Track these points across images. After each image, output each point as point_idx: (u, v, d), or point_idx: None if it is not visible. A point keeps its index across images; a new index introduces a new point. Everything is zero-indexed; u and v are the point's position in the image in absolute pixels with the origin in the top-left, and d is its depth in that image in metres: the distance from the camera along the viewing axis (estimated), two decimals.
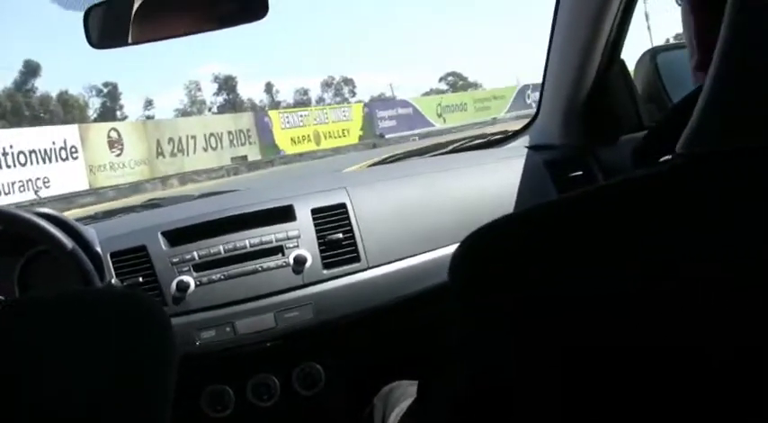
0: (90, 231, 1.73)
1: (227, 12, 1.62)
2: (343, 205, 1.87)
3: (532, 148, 2.17)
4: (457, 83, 66.91)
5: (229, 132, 24.23)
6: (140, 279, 1.73)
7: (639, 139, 0.74)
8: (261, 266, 1.77)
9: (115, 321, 0.65)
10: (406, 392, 1.47)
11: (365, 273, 1.81)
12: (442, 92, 55.75)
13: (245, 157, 23.93)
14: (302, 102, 60.41)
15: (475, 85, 62.20)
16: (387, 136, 27.18)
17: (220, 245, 1.78)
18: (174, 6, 1.62)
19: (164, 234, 1.81)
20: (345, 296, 1.78)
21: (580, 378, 0.53)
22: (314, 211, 1.85)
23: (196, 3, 1.62)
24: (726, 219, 0.52)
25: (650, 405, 0.51)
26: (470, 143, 2.46)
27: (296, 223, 1.83)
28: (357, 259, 1.81)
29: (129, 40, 1.62)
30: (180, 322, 1.68)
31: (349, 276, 1.80)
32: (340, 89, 66.19)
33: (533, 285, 0.55)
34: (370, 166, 2.40)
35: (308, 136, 26.98)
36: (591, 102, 2.06)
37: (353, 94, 67.48)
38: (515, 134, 2.35)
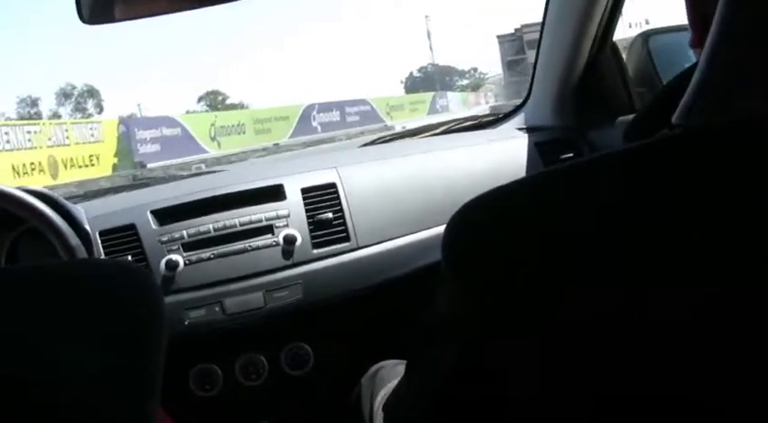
0: (79, 209, 1.72)
1: None
2: (333, 185, 1.86)
3: (523, 129, 2.18)
4: (217, 103, 57.21)
5: None
6: (129, 258, 1.73)
7: (628, 120, 0.74)
8: (250, 246, 1.76)
9: (104, 290, 0.64)
10: (392, 372, 1.48)
11: (355, 253, 1.81)
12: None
13: None
14: (29, 116, 47.31)
15: (240, 106, 53.11)
16: (149, 165, 19.31)
17: (210, 224, 1.78)
18: None
19: (153, 213, 1.80)
20: (334, 276, 1.78)
21: (573, 356, 0.53)
22: (304, 191, 1.84)
23: None
24: (722, 188, 0.52)
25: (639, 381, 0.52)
26: (462, 125, 2.45)
27: (285, 202, 1.82)
28: (347, 239, 1.81)
29: (116, 16, 1.60)
30: (169, 301, 1.68)
31: (338, 256, 1.80)
32: (83, 102, 53.71)
33: (528, 259, 0.55)
34: (361, 146, 2.40)
35: (40, 164, 17.05)
36: (582, 84, 2.06)
37: (101, 109, 54.70)
38: (506, 116, 2.35)
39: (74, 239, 1.58)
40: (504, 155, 2.04)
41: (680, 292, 0.51)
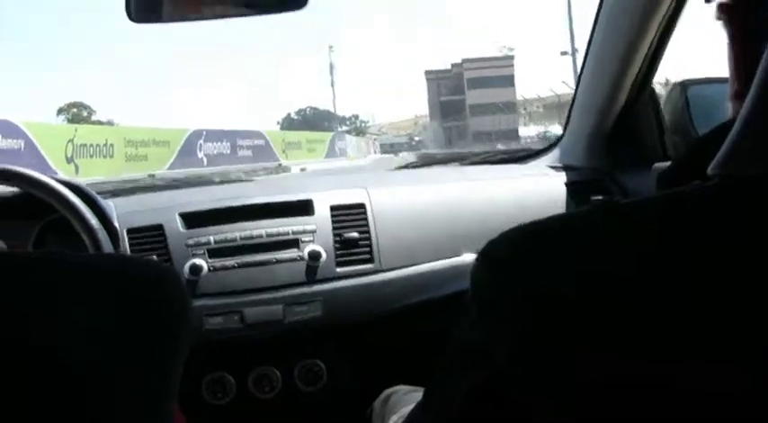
0: (109, 205, 1.75)
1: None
2: (361, 205, 1.88)
3: (555, 167, 2.18)
4: (81, 119, 47.38)
5: None
6: (155, 257, 1.74)
7: (664, 167, 0.74)
8: (275, 258, 1.77)
9: (133, 287, 0.65)
10: (405, 398, 1.47)
11: (377, 275, 1.81)
12: None
13: None
14: None
15: (109, 124, 41.29)
16: None
17: (237, 232, 1.79)
18: None
19: (181, 215, 1.82)
20: (355, 296, 1.79)
21: (593, 392, 0.54)
22: (332, 208, 1.86)
23: None
24: (758, 239, 0.52)
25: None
26: (495, 157, 2.47)
27: (313, 218, 1.84)
28: (371, 260, 1.82)
29: (163, 18, 1.65)
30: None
31: (361, 277, 1.81)
32: None
33: (551, 295, 0.55)
34: (392, 170, 2.41)
35: None
36: (618, 127, 2.06)
37: None
38: (540, 152, 2.36)
39: (102, 234, 1.60)
40: (534, 191, 2.05)
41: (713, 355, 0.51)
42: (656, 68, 1.99)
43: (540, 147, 2.36)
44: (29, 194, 1.63)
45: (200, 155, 24.33)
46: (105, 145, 20.15)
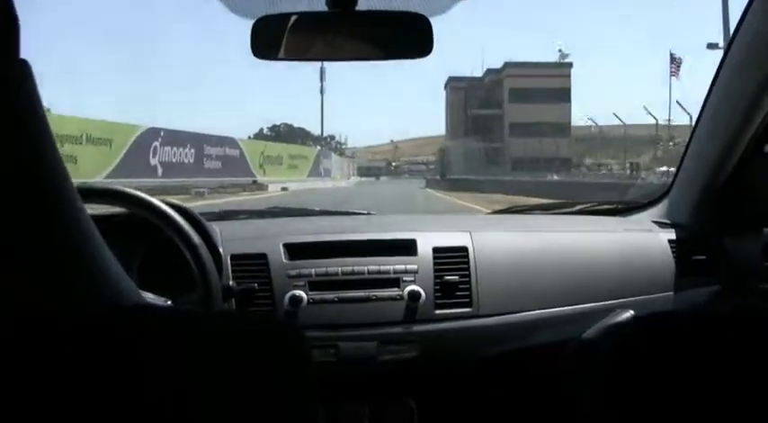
0: (214, 229, 1.77)
1: (387, 44, 1.67)
2: (464, 249, 1.87)
3: (660, 223, 2.14)
4: None
5: None
6: (256, 285, 1.77)
7: None
8: (374, 295, 1.78)
9: (256, 350, 0.67)
10: None
11: (475, 320, 1.80)
12: None
13: None
14: None
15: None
16: None
17: (339, 267, 1.81)
18: (328, 30, 1.68)
19: (285, 246, 1.85)
20: (451, 339, 1.78)
21: None
22: (435, 250, 1.86)
23: (356, 29, 1.68)
24: None
25: None
26: (597, 207, 2.43)
27: (416, 258, 1.84)
28: (469, 305, 1.81)
29: (279, 56, 1.70)
30: None
31: (459, 320, 1.79)
32: None
33: None
34: (496, 212, 2.40)
35: None
36: (729, 186, 2.00)
37: None
38: (644, 206, 2.31)
39: (205, 252, 1.62)
40: (636, 247, 2.02)
41: None
42: None
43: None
44: (130, 214, 1.66)
45: (154, 161, 19.87)
46: None
